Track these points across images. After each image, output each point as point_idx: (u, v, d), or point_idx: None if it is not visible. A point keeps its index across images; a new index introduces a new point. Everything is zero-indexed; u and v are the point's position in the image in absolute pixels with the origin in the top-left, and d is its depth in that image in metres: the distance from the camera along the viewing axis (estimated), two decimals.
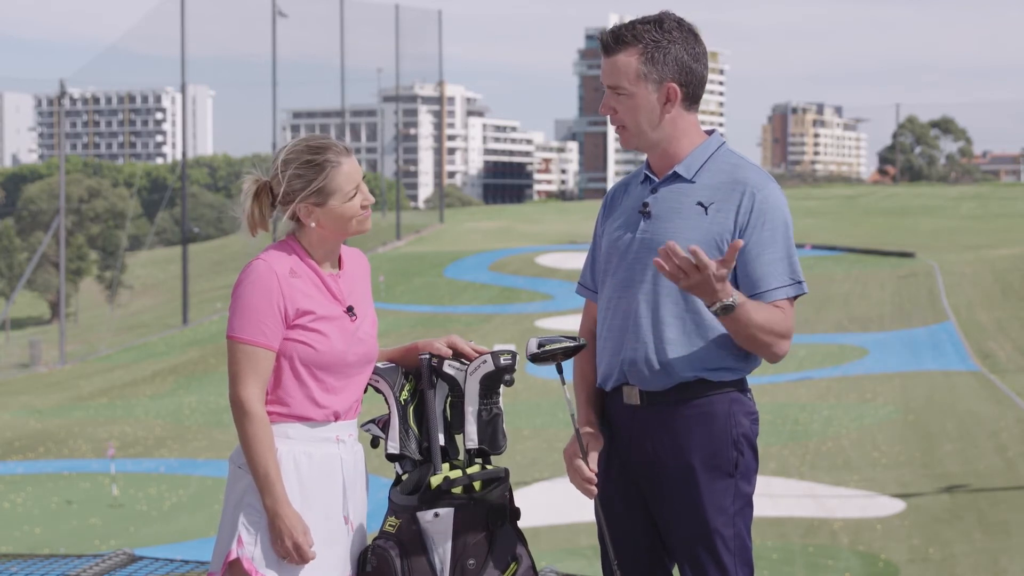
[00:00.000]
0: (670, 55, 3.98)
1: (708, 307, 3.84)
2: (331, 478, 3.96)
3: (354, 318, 4.00)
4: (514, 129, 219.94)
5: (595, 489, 4.00)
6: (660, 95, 4.00)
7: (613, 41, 4.00)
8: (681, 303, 3.97)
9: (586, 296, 4.32)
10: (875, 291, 47.18)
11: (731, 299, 3.81)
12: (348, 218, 3.97)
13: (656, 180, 4.08)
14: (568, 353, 3.98)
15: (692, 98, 4.05)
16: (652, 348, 3.98)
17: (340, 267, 4.06)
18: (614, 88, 4.01)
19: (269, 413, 3.92)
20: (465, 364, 4.10)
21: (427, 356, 4.12)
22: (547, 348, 3.96)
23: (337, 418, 3.98)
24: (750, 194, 3.97)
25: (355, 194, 3.97)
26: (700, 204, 3.99)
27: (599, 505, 4.05)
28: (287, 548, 3.85)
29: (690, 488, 3.96)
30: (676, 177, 4.05)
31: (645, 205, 4.06)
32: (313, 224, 3.96)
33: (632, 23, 4.03)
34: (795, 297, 3.98)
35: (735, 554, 4.00)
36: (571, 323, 42.99)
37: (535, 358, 3.98)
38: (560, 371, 4.04)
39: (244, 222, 4.03)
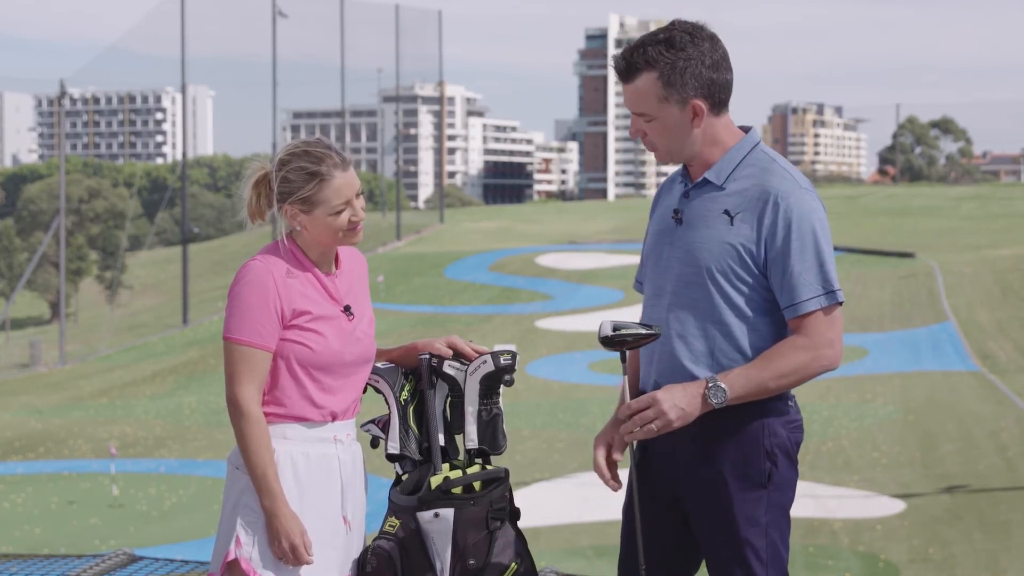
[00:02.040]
0: (687, 73, 3.88)
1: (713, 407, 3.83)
2: (329, 478, 3.96)
3: (351, 317, 4.00)
4: (514, 129, 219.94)
5: (617, 485, 3.95)
6: (686, 113, 3.92)
7: (627, 69, 3.92)
8: (707, 315, 3.91)
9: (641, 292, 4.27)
10: (875, 291, 47.15)
11: (714, 384, 3.81)
12: (333, 231, 3.95)
13: (690, 185, 4.02)
14: (639, 340, 3.87)
15: (720, 105, 3.97)
16: (680, 361, 3.93)
17: (337, 266, 4.06)
18: (639, 114, 3.94)
19: (266, 414, 3.92)
20: (465, 364, 4.10)
21: (427, 356, 4.12)
22: (621, 332, 3.86)
23: (335, 418, 3.97)
24: (774, 203, 3.87)
25: (343, 209, 3.94)
26: (726, 212, 3.91)
27: (635, 501, 3.98)
28: (283, 549, 3.84)
29: (721, 498, 3.92)
30: (707, 183, 3.97)
31: (676, 212, 4.01)
32: (299, 228, 3.96)
33: (643, 46, 3.91)
34: (832, 306, 3.88)
35: (768, 564, 3.96)
36: (572, 323, 42.94)
37: (608, 341, 3.88)
38: (624, 359, 3.96)
39: (244, 209, 4.04)
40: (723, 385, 3.82)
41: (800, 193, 3.89)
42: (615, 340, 3.86)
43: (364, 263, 4.19)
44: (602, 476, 3.99)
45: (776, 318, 3.92)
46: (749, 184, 3.92)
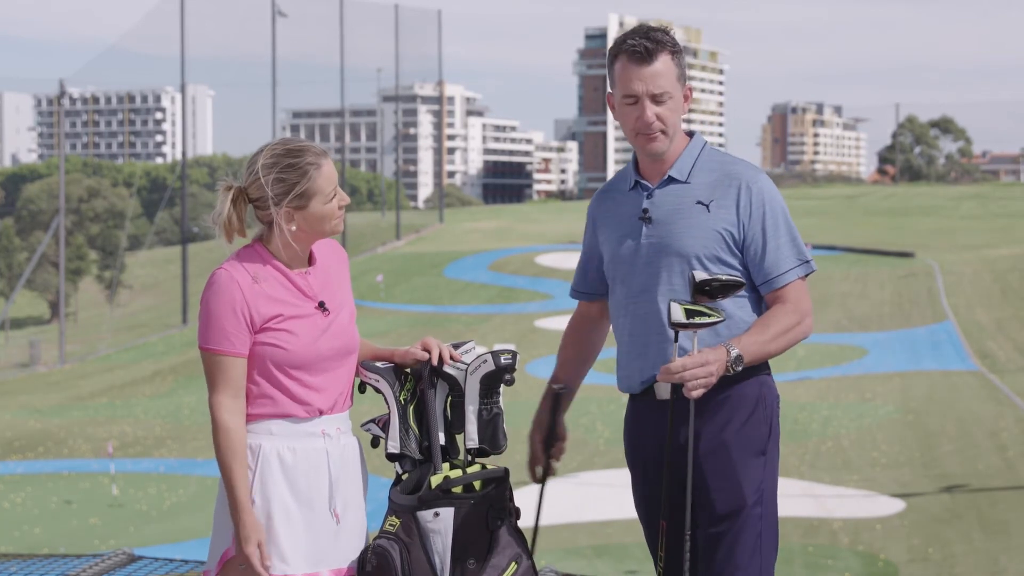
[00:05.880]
0: (684, 59, 4.18)
1: (729, 373, 4.00)
2: (317, 471, 3.98)
3: (326, 313, 4.01)
4: (514, 129, 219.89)
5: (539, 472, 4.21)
6: (682, 96, 4.19)
7: (650, 51, 4.11)
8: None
9: (581, 299, 4.46)
10: (875, 291, 47.15)
11: (735, 352, 3.98)
12: (327, 219, 3.99)
13: (651, 186, 4.20)
14: (713, 324, 3.99)
15: None
16: (680, 345, 4.09)
17: (311, 263, 4.07)
18: (658, 95, 4.11)
19: (252, 413, 3.96)
20: (465, 363, 4.11)
21: (428, 356, 4.13)
22: (695, 320, 3.96)
23: (321, 413, 4.00)
24: (746, 187, 4.11)
25: (334, 195, 4.00)
26: (700, 203, 4.12)
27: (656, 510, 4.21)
28: (251, 551, 3.86)
29: (725, 466, 4.08)
30: (671, 180, 4.18)
31: (645, 211, 4.17)
32: (294, 227, 3.96)
33: (648, 32, 4.15)
34: (805, 276, 4.16)
35: (763, 533, 4.11)
36: None
37: (682, 327, 3.99)
38: (676, 339, 4.03)
39: (220, 230, 4.00)
40: (740, 352, 4.00)
41: (763, 176, 4.17)
42: (689, 326, 3.96)
43: (342, 253, 4.21)
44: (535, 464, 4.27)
45: (757, 295, 4.16)
46: (714, 175, 4.15)
